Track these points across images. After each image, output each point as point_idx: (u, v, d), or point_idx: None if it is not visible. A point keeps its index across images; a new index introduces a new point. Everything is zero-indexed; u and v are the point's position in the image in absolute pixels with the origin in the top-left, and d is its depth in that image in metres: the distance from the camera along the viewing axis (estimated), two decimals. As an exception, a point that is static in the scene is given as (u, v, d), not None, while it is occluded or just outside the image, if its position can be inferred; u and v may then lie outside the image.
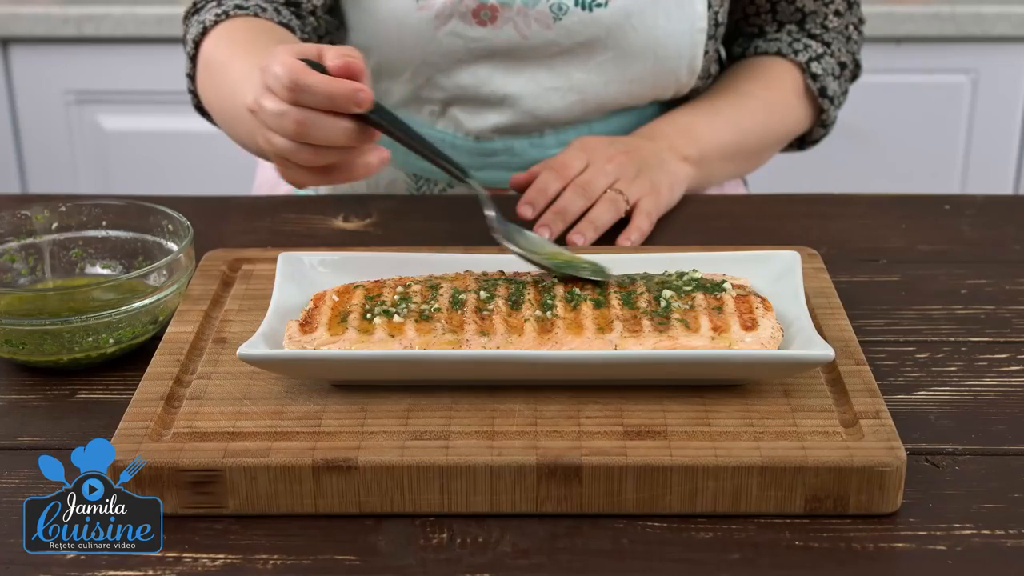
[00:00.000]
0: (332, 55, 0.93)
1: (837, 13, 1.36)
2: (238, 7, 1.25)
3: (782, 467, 0.79)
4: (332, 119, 0.91)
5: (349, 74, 0.93)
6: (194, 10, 1.31)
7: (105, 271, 1.07)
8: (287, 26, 1.25)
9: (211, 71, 1.23)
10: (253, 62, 1.14)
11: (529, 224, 1.14)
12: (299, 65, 0.91)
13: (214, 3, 1.28)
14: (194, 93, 1.30)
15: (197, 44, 1.25)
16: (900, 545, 0.78)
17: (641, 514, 0.80)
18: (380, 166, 0.95)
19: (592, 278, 0.94)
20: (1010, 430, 0.89)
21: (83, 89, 2.25)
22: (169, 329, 0.95)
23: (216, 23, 1.24)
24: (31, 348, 0.95)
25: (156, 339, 0.96)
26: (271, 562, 0.77)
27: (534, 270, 0.97)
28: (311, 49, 0.95)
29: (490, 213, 1.00)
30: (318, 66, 0.93)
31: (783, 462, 0.79)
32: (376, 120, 0.92)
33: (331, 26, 1.33)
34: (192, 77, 1.28)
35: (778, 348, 0.87)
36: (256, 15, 1.24)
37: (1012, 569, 0.76)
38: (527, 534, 0.79)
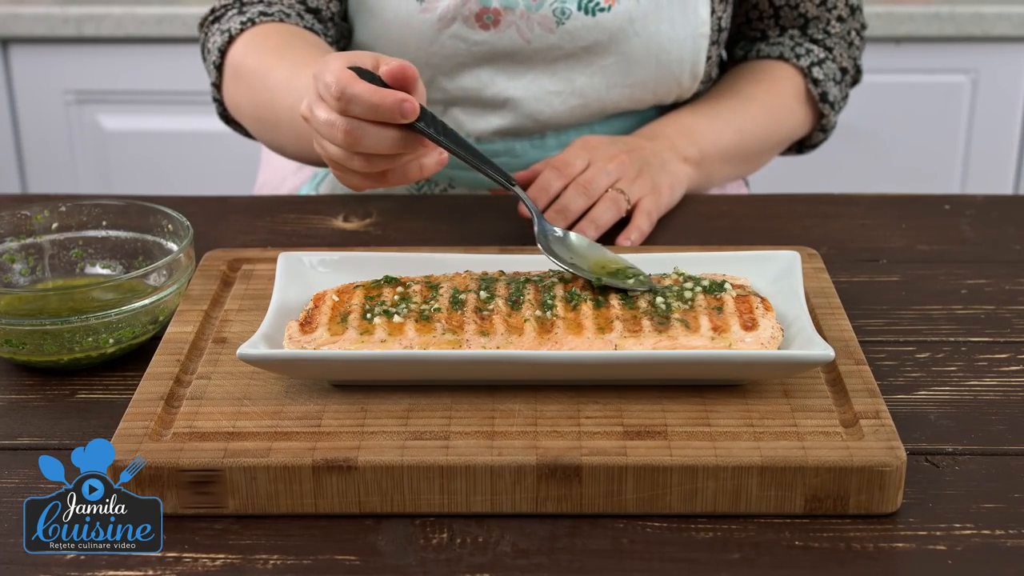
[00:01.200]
0: (385, 62, 0.94)
1: (840, 19, 1.36)
2: (263, 14, 1.24)
3: (782, 467, 0.79)
4: (380, 129, 0.92)
5: (401, 79, 0.94)
6: (213, 18, 1.30)
7: (105, 271, 1.07)
8: (312, 30, 1.25)
9: (244, 79, 1.23)
10: (292, 68, 1.14)
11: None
12: (348, 75, 0.92)
13: (235, 11, 1.27)
14: (219, 102, 1.30)
15: (223, 52, 1.25)
16: (900, 545, 0.78)
17: (641, 514, 0.80)
18: (436, 167, 0.96)
19: (634, 288, 0.92)
20: (1010, 430, 0.89)
21: (83, 89, 2.25)
22: (169, 329, 0.95)
23: (242, 30, 1.23)
24: (31, 348, 0.95)
25: (156, 339, 0.96)
26: (271, 562, 0.77)
27: (534, 269, 0.97)
28: (367, 58, 0.95)
29: (536, 226, 0.99)
30: (372, 75, 0.94)
31: (783, 462, 0.79)
32: (422, 129, 0.93)
33: (345, 31, 1.33)
34: (218, 86, 1.28)
35: (778, 348, 0.87)
36: (281, 20, 1.24)
37: (1012, 569, 0.76)
38: (527, 534, 0.79)
